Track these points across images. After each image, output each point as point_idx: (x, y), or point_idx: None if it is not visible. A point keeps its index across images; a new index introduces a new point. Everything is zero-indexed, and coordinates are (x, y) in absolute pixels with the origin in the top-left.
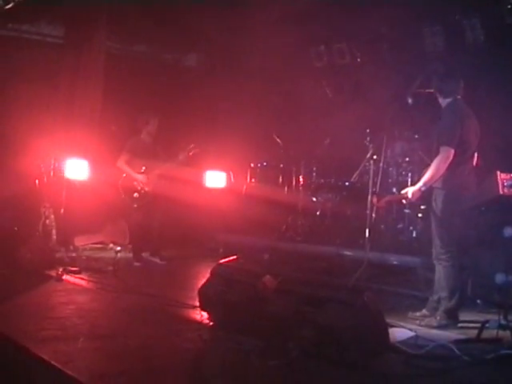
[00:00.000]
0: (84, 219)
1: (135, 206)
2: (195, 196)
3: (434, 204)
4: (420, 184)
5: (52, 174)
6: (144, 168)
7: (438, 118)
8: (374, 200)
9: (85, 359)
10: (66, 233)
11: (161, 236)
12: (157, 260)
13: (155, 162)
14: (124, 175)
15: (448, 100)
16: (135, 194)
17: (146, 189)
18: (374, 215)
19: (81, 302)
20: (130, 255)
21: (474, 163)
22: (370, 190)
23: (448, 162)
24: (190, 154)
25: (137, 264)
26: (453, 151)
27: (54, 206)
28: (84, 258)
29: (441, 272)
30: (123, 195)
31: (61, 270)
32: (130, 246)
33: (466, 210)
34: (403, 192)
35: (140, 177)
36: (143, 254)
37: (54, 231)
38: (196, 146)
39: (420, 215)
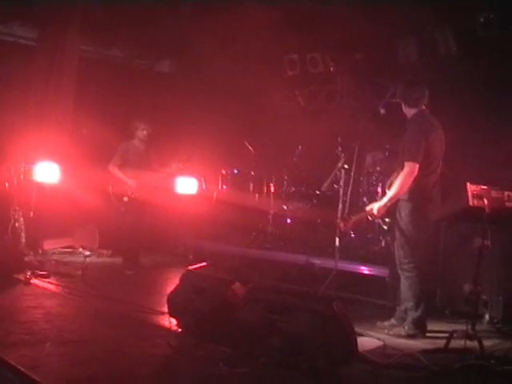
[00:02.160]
0: (54, 223)
1: (123, 209)
2: (166, 201)
3: (397, 215)
4: (385, 200)
5: (22, 176)
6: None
7: (405, 128)
8: (341, 225)
9: (52, 364)
10: (36, 236)
11: (145, 244)
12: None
13: (147, 167)
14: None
15: (413, 110)
16: (125, 198)
17: (137, 194)
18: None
19: (49, 306)
20: (100, 260)
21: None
22: (341, 201)
23: (413, 177)
24: (182, 164)
25: (128, 272)
26: (417, 166)
27: (23, 209)
28: (53, 262)
29: (405, 282)
30: (113, 199)
31: (29, 273)
32: (99, 251)
33: (433, 222)
34: (368, 208)
35: (131, 181)
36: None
37: (23, 234)
38: (188, 156)
39: (385, 227)
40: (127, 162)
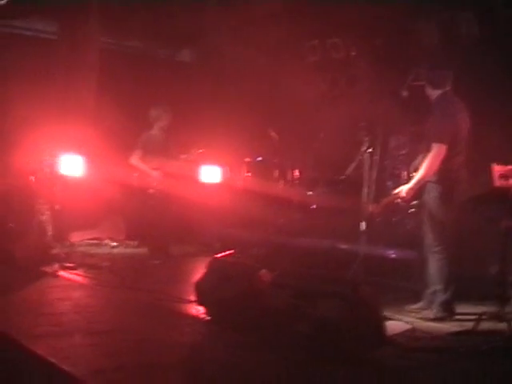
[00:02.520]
0: (79, 215)
1: (149, 202)
2: (191, 191)
3: (426, 197)
4: (413, 182)
5: (47, 170)
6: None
7: (430, 110)
8: (372, 208)
9: (81, 355)
10: (62, 229)
11: (172, 234)
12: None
13: (167, 156)
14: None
15: (438, 92)
16: (150, 191)
17: (161, 185)
18: (369, 209)
19: (77, 297)
20: (126, 251)
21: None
22: (365, 185)
23: (440, 159)
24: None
25: (155, 262)
26: (445, 147)
27: (49, 202)
28: (80, 253)
29: (434, 265)
30: (138, 191)
31: (56, 266)
32: (125, 242)
33: (461, 203)
34: (396, 191)
35: (155, 173)
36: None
37: (49, 227)
38: (207, 143)
39: (412, 210)
40: (149, 152)
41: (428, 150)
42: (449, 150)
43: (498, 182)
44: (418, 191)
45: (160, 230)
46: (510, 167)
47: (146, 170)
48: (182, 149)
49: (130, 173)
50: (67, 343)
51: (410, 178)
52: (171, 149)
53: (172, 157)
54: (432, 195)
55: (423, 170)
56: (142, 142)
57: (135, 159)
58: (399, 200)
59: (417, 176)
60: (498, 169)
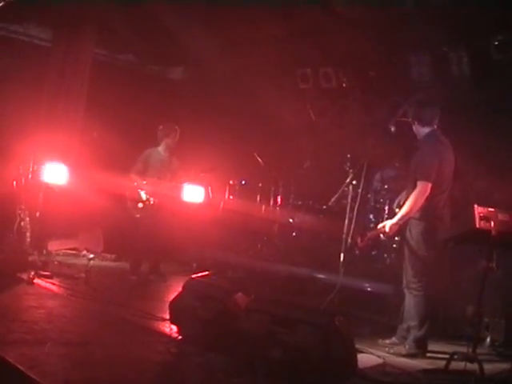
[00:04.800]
0: (59, 224)
1: (137, 216)
2: (173, 209)
3: (408, 234)
4: (397, 218)
5: (30, 176)
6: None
7: (416, 147)
8: (358, 241)
9: (51, 364)
10: (41, 236)
11: (161, 251)
12: (153, 277)
13: (168, 175)
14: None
15: (426, 130)
16: (139, 205)
17: (152, 201)
18: (349, 240)
19: (51, 306)
20: (104, 263)
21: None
22: (347, 216)
23: (425, 196)
24: (206, 173)
25: (132, 278)
26: (430, 185)
27: (30, 208)
28: (57, 263)
29: (411, 301)
30: (129, 204)
31: (33, 273)
32: (103, 254)
33: (441, 242)
34: (380, 226)
35: (148, 188)
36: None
37: (28, 234)
38: (213, 167)
39: (394, 246)
40: (148, 169)
41: (413, 187)
42: (434, 188)
43: (478, 224)
44: (401, 227)
45: (143, 245)
46: (491, 209)
47: (140, 183)
48: (187, 170)
49: (118, 186)
50: (38, 352)
51: (393, 214)
52: (174, 166)
53: (175, 176)
54: (414, 232)
55: (407, 206)
56: (143, 157)
57: (133, 172)
58: (382, 235)
59: (401, 212)
60: (479, 210)
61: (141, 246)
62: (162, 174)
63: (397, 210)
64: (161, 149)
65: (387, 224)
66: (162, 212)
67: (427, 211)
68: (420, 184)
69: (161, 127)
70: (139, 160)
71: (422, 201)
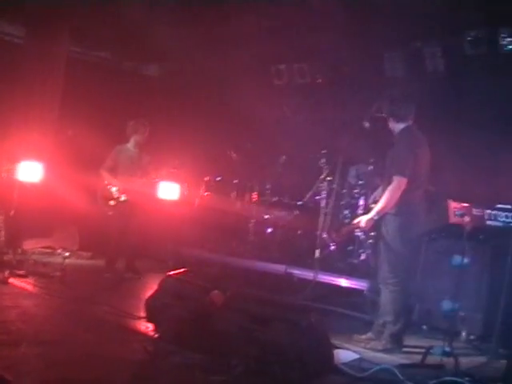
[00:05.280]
0: (34, 222)
1: (110, 213)
2: (148, 206)
3: (384, 229)
4: (373, 213)
5: (4, 175)
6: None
7: (392, 143)
8: (334, 235)
9: (26, 365)
10: (15, 235)
11: (135, 248)
12: (129, 274)
13: (138, 171)
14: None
15: (401, 126)
16: (111, 202)
17: (123, 198)
18: (324, 235)
19: (26, 306)
20: (79, 261)
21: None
22: (322, 212)
23: (401, 191)
24: (174, 169)
25: (108, 276)
26: (405, 180)
27: (4, 207)
28: (32, 261)
29: (387, 296)
30: (100, 202)
31: (7, 272)
32: (78, 253)
33: (416, 237)
34: (356, 221)
35: (119, 185)
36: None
37: (2, 233)
38: (181, 162)
39: (371, 241)
40: (119, 165)
41: (389, 183)
42: (409, 183)
43: (453, 219)
44: (377, 222)
45: (117, 243)
46: (465, 204)
47: (110, 181)
48: (156, 166)
49: (91, 183)
50: (13, 352)
51: (368, 209)
52: (144, 162)
53: (145, 172)
54: (390, 227)
55: (383, 201)
56: (113, 154)
57: (102, 169)
58: (358, 229)
59: (377, 207)
60: (453, 205)
61: (114, 243)
62: (132, 171)
63: (372, 205)
64: (130, 145)
65: (363, 219)
66: (136, 209)
67: (403, 206)
68: (395, 179)
69: (130, 123)
70: (109, 157)
71: (397, 196)
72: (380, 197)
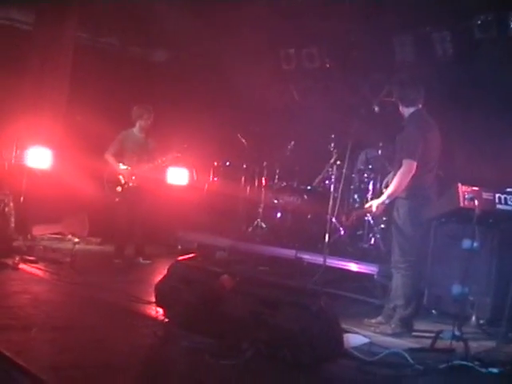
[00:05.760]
0: (44, 209)
1: (117, 199)
2: (157, 192)
3: (395, 213)
4: (383, 197)
5: (14, 161)
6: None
7: (402, 127)
8: (344, 219)
9: (37, 350)
10: (25, 221)
11: (144, 233)
12: (139, 260)
13: (145, 156)
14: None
15: (410, 110)
16: (118, 188)
17: (131, 184)
18: (333, 220)
19: (36, 292)
20: (89, 247)
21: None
22: (332, 197)
23: (411, 175)
24: (180, 153)
25: (117, 261)
26: (415, 164)
27: (13, 193)
28: (41, 247)
29: (398, 280)
30: (106, 188)
31: (17, 258)
32: (88, 238)
33: (426, 221)
34: (367, 206)
35: (125, 171)
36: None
37: (12, 219)
38: (187, 146)
39: (383, 226)
40: (125, 150)
41: (399, 167)
42: (420, 167)
43: (462, 203)
44: (388, 207)
45: (125, 229)
46: (475, 188)
47: (116, 166)
48: (162, 151)
49: (98, 169)
50: (24, 337)
51: (378, 193)
52: (150, 147)
53: (151, 157)
54: (401, 211)
55: (393, 185)
56: (118, 139)
57: (107, 155)
58: (369, 214)
59: (387, 191)
60: (463, 189)
61: (123, 229)
62: (138, 156)
63: (384, 190)
64: (136, 130)
65: (374, 203)
66: (144, 194)
67: (414, 190)
68: (405, 163)
69: (134, 108)
70: (115, 141)
71: (407, 179)
72: (391, 181)
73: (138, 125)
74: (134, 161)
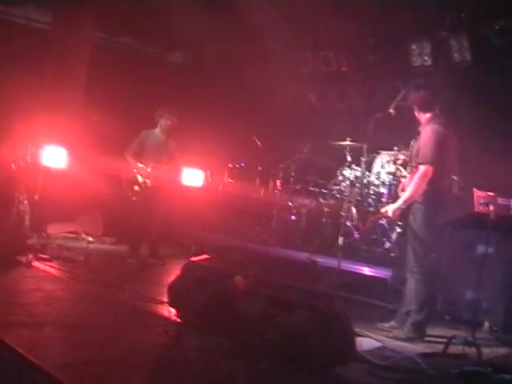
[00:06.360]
0: (58, 207)
1: (134, 198)
2: (172, 193)
3: (411, 217)
4: (400, 202)
5: (29, 159)
6: (150, 167)
7: (418, 131)
8: (360, 225)
9: (50, 347)
10: (40, 220)
11: (160, 234)
12: (153, 261)
13: (164, 157)
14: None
15: (427, 114)
16: (136, 187)
17: (149, 183)
18: (348, 224)
19: (50, 289)
20: (103, 247)
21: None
22: (346, 200)
23: (427, 180)
24: (198, 156)
25: (131, 261)
26: (432, 169)
27: (29, 191)
28: (56, 246)
29: (412, 285)
30: (125, 187)
31: (31, 256)
32: (102, 238)
33: (441, 226)
34: (383, 210)
35: (143, 170)
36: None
37: (27, 217)
38: (206, 150)
39: (398, 230)
40: (144, 150)
41: (415, 171)
42: (436, 172)
43: (478, 208)
44: (404, 211)
45: (141, 228)
46: (490, 193)
47: (134, 166)
48: (182, 152)
49: (116, 168)
50: (37, 335)
51: (394, 198)
52: (170, 148)
53: (171, 158)
54: (417, 215)
55: (410, 190)
56: (139, 138)
57: (127, 153)
58: (385, 219)
59: (404, 196)
60: (478, 194)
61: (138, 229)
62: (158, 156)
63: (400, 194)
64: (157, 131)
65: (390, 208)
66: (160, 195)
67: (431, 195)
68: (422, 167)
69: (159, 109)
70: (135, 141)
71: (424, 184)
72: (407, 185)
73: (159, 126)
74: (152, 161)
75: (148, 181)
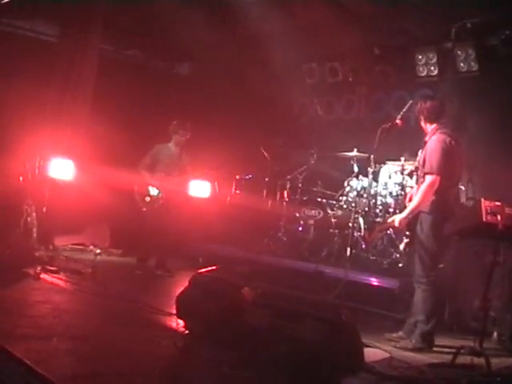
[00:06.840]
0: (66, 219)
1: (144, 209)
2: (180, 204)
3: (418, 227)
4: (407, 212)
5: (37, 172)
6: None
7: (424, 142)
8: (366, 235)
9: (57, 359)
10: (47, 232)
11: (170, 246)
12: (161, 273)
13: (177, 171)
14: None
15: (433, 125)
16: (147, 198)
17: (161, 195)
18: (355, 234)
19: (57, 301)
20: (110, 258)
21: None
22: (354, 210)
23: (434, 190)
24: (213, 171)
25: (138, 272)
26: (438, 179)
27: (36, 204)
28: (63, 258)
29: (419, 295)
30: (137, 198)
31: (39, 268)
32: (109, 250)
33: (449, 235)
34: (390, 220)
35: (156, 182)
36: None
37: (34, 229)
38: (220, 164)
39: (406, 240)
40: (157, 164)
41: (422, 181)
42: (443, 182)
43: (485, 218)
44: (411, 221)
45: (151, 240)
46: (498, 203)
47: (148, 179)
48: (195, 166)
49: (126, 180)
50: (44, 347)
51: (401, 208)
52: (184, 162)
53: (184, 172)
54: (424, 226)
55: (416, 200)
56: (153, 151)
57: (141, 166)
58: (392, 229)
59: (410, 206)
60: (486, 204)
61: (147, 240)
62: (170, 169)
63: (407, 204)
64: (171, 144)
65: (396, 218)
66: (169, 207)
67: (438, 205)
68: (428, 177)
69: (173, 123)
70: (149, 154)
71: (430, 194)
72: (414, 195)
73: (173, 140)
74: (164, 174)
75: (160, 193)
